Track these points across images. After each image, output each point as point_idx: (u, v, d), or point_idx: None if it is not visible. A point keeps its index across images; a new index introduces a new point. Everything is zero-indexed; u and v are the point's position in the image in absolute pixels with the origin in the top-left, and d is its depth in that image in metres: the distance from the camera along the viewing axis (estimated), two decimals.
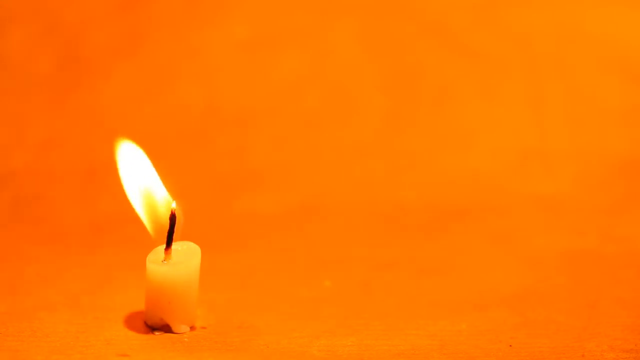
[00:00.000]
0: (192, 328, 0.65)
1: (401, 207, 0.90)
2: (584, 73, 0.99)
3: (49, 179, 0.91)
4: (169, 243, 0.64)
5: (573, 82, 0.99)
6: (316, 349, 0.63)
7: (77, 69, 0.98)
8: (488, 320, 0.67)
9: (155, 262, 0.64)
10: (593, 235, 0.85)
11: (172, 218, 0.64)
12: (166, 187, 0.67)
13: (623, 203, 0.91)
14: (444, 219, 0.88)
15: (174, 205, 0.65)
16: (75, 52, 0.98)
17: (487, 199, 0.92)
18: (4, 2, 0.99)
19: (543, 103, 0.99)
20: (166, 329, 0.64)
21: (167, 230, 0.64)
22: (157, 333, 0.64)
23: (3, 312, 0.66)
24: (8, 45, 0.98)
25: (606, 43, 1.00)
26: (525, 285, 0.74)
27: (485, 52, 1.00)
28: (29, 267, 0.75)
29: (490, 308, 0.69)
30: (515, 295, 0.72)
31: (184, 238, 0.65)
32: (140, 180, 0.66)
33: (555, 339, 0.65)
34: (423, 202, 0.91)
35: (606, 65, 0.99)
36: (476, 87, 1.00)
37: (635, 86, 0.98)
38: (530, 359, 0.62)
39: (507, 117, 0.98)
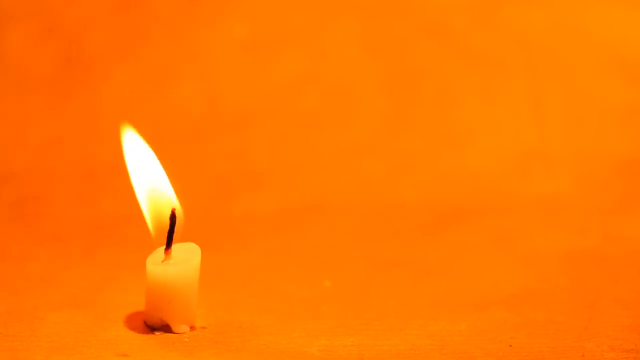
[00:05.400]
0: (192, 328, 0.65)
1: (401, 207, 0.90)
2: (584, 73, 0.99)
3: (49, 179, 0.92)
4: (169, 243, 0.64)
5: (573, 82, 0.99)
6: (316, 349, 0.63)
7: (77, 69, 0.98)
8: (488, 320, 0.67)
9: (155, 262, 0.64)
10: (593, 235, 0.85)
11: (172, 218, 0.64)
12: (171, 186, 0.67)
13: (623, 203, 0.91)
14: (444, 219, 0.88)
15: (174, 205, 0.65)
16: (75, 52, 0.98)
17: (487, 199, 0.92)
18: (4, 2, 0.99)
19: (543, 103, 0.99)
20: (166, 329, 0.64)
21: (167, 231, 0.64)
22: (157, 333, 0.64)
23: (3, 312, 0.66)
24: (8, 45, 0.98)
25: (606, 43, 1.00)
26: (525, 285, 0.74)
27: (485, 52, 1.00)
28: (30, 267, 0.75)
29: (490, 308, 0.69)
30: (515, 295, 0.72)
31: (184, 238, 0.65)
32: (148, 176, 0.66)
33: (555, 339, 0.65)
34: (423, 202, 0.91)
35: (606, 65, 0.99)
36: (476, 87, 1.00)
37: (635, 86, 0.99)
38: (530, 359, 0.62)
39: (507, 117, 0.99)
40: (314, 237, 0.84)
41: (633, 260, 0.79)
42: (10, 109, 0.96)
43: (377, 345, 0.63)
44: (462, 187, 0.93)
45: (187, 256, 0.65)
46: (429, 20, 1.01)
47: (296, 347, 0.63)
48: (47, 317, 0.66)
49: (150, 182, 0.66)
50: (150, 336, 0.64)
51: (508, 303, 0.70)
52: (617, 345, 0.64)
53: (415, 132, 0.98)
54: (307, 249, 0.82)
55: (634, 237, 0.84)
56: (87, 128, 0.96)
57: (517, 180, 0.94)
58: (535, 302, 0.71)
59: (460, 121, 0.99)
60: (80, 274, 0.74)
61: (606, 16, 1.01)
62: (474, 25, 1.01)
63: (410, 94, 1.00)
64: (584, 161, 0.95)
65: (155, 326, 0.64)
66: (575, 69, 1.00)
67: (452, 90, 1.00)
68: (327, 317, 0.68)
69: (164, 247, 0.64)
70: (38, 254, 0.79)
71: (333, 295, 0.72)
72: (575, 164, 0.95)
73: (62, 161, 0.93)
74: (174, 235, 0.65)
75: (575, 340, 0.64)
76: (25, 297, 0.69)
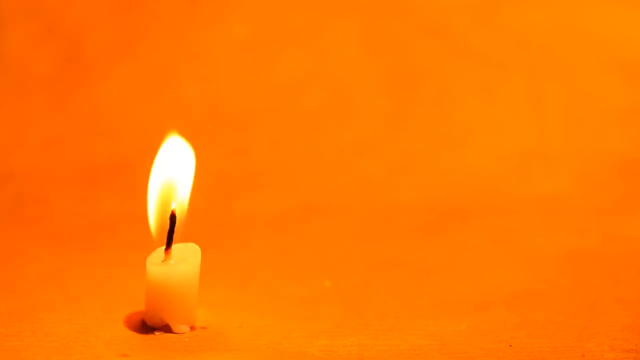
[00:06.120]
0: (192, 328, 0.65)
1: (401, 207, 0.90)
2: (584, 73, 0.99)
3: (49, 179, 0.91)
4: (169, 243, 0.64)
5: (573, 82, 0.99)
6: (316, 349, 0.63)
7: (77, 69, 0.98)
8: (488, 320, 0.67)
9: (155, 262, 0.64)
10: (593, 235, 0.85)
11: (172, 218, 0.64)
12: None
13: (623, 203, 0.91)
14: (444, 219, 0.88)
15: (173, 205, 0.65)
16: (75, 52, 0.98)
17: (487, 199, 0.92)
18: (4, 2, 0.99)
19: (543, 103, 0.99)
20: (166, 329, 0.64)
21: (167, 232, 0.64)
22: (157, 333, 0.64)
23: (3, 312, 0.66)
24: (8, 45, 0.98)
25: (606, 43, 1.00)
26: (525, 285, 0.74)
27: (485, 52, 1.00)
28: (29, 266, 0.75)
29: (490, 308, 0.69)
30: (515, 295, 0.72)
31: (185, 238, 0.65)
32: (166, 176, 0.66)
33: (555, 339, 0.65)
34: (423, 202, 0.91)
35: (606, 65, 0.99)
36: (476, 87, 1.00)
37: (635, 86, 0.99)
38: (530, 359, 0.62)
39: (507, 117, 0.99)
40: (314, 237, 0.84)
41: (633, 260, 0.79)
42: (10, 109, 0.96)
43: (377, 345, 0.63)
44: (462, 187, 0.93)
45: (187, 256, 0.64)
46: (429, 20, 1.01)
47: (296, 347, 0.63)
48: (47, 317, 0.66)
49: (165, 183, 0.66)
50: (150, 336, 0.64)
51: (508, 303, 0.70)
52: (617, 345, 0.64)
53: (415, 132, 0.98)
54: (307, 249, 0.82)
55: (634, 237, 0.84)
56: (87, 128, 0.96)
57: (517, 180, 0.94)
58: (535, 302, 0.71)
59: (460, 121, 0.99)
60: (80, 274, 0.74)
61: (606, 16, 1.01)
62: (474, 25, 1.01)
63: (410, 94, 1.00)
64: (584, 161, 0.95)
65: (155, 326, 0.64)
66: (575, 69, 1.00)
67: (452, 90, 1.00)
68: (327, 317, 0.68)
69: (164, 247, 0.64)
70: (38, 253, 0.79)
71: (333, 295, 0.72)
72: (575, 164, 0.95)
73: (62, 161, 0.93)
74: (174, 236, 0.65)
75: (575, 340, 0.64)
76: (25, 297, 0.69)
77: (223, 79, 0.99)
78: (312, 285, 0.74)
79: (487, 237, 0.84)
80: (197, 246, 0.65)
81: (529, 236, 0.84)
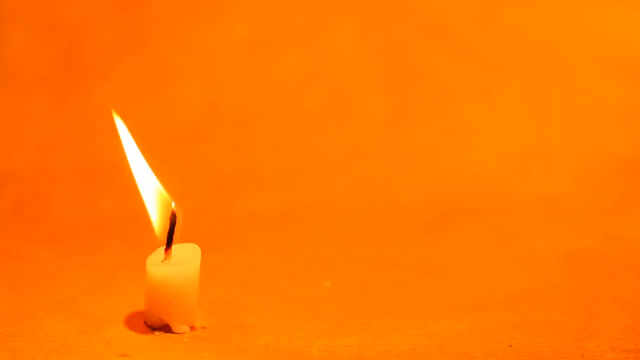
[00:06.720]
0: (192, 328, 0.65)
1: (401, 207, 0.90)
2: (584, 73, 0.99)
3: (50, 179, 0.92)
4: (169, 243, 0.64)
5: (573, 82, 0.99)
6: (316, 349, 0.63)
7: (77, 69, 0.98)
8: (488, 320, 0.67)
9: (155, 262, 0.64)
10: (593, 235, 0.85)
11: (172, 218, 0.64)
12: (164, 187, 0.67)
13: (623, 203, 0.91)
14: (444, 219, 0.88)
15: (173, 205, 0.65)
16: (75, 52, 0.98)
17: (487, 199, 0.92)
18: (4, 2, 0.99)
19: (543, 103, 0.99)
20: (166, 329, 0.64)
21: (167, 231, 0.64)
22: (157, 333, 0.64)
23: (3, 312, 0.66)
24: (8, 45, 0.98)
25: (606, 43, 1.00)
26: (525, 285, 0.74)
27: (485, 52, 1.00)
28: (30, 267, 0.75)
29: (490, 308, 0.69)
30: (515, 295, 0.72)
31: (185, 238, 0.65)
32: (149, 176, 0.66)
33: (555, 339, 0.65)
34: (423, 202, 0.91)
35: (606, 65, 0.99)
36: (476, 87, 1.00)
37: (635, 86, 0.99)
38: (530, 359, 0.62)
39: (507, 117, 0.99)
40: (314, 237, 0.85)
41: (633, 260, 0.79)
42: (10, 109, 0.96)
43: (377, 345, 0.63)
44: (462, 187, 0.93)
45: (187, 256, 0.65)
46: (429, 20, 1.01)
47: (296, 347, 0.63)
48: (47, 317, 0.66)
49: (154, 182, 0.66)
50: (150, 336, 0.64)
51: (508, 303, 0.70)
52: (617, 345, 0.64)
53: (415, 132, 0.98)
54: (307, 249, 0.82)
55: (634, 237, 0.84)
56: (87, 128, 0.96)
57: (517, 180, 0.94)
58: (535, 302, 0.71)
59: (460, 121, 0.99)
60: (80, 274, 0.74)
61: (606, 16, 1.01)
62: (474, 25, 1.01)
63: (410, 94, 1.00)
64: (584, 161, 0.95)
65: (155, 326, 0.64)
66: (575, 69, 1.00)
67: (452, 90, 1.00)
68: (327, 317, 0.68)
69: (164, 247, 0.64)
70: (38, 254, 0.79)
71: (333, 295, 0.72)
72: (575, 164, 0.95)
73: (62, 161, 0.93)
74: (174, 235, 0.65)
75: (575, 340, 0.64)
76: (25, 297, 0.69)
77: (223, 79, 0.99)
78: (312, 285, 0.74)
79: (487, 237, 0.84)
80: (197, 246, 0.65)
81: (529, 236, 0.84)
